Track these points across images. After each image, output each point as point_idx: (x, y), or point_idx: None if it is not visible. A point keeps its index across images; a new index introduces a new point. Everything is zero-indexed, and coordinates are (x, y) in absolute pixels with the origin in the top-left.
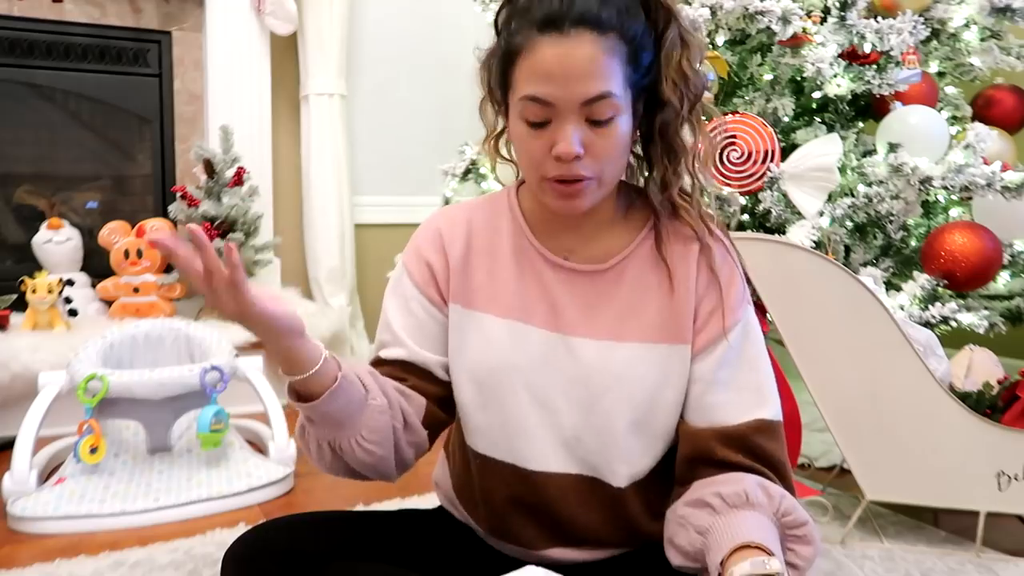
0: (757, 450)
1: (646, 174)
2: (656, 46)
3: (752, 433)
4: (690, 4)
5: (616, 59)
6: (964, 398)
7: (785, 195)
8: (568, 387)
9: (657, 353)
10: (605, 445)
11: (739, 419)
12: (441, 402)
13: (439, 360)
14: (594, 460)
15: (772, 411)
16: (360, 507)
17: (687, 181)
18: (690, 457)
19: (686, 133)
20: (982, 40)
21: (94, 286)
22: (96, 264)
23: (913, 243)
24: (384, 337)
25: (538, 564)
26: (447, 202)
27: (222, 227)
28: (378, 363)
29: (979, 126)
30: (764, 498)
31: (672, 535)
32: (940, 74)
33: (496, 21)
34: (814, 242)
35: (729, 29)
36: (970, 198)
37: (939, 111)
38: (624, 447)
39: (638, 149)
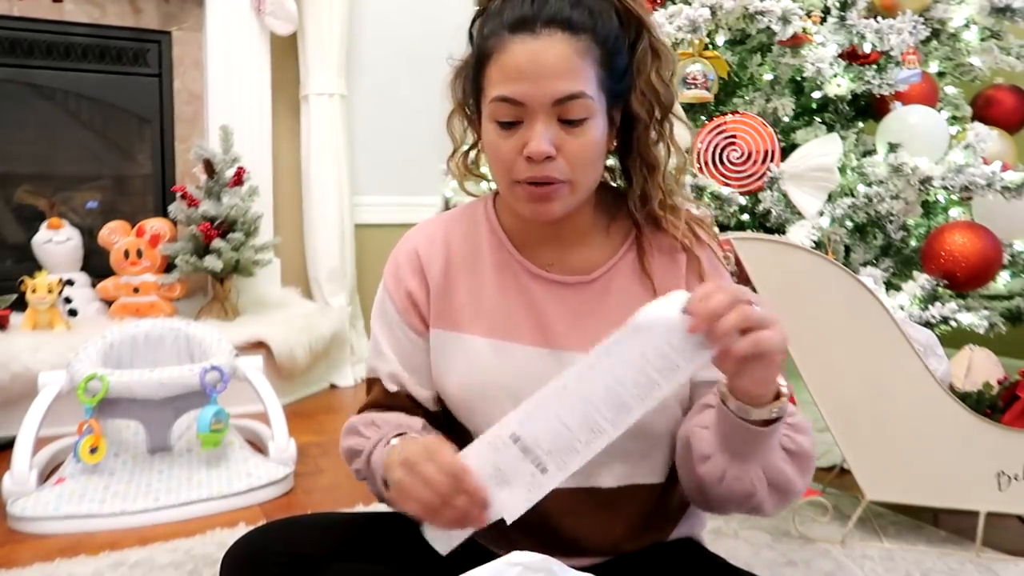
0: None
1: (626, 188)
2: (630, 60)
3: None
4: (690, 4)
5: (589, 60)
6: (964, 398)
7: (785, 195)
8: None
9: None
10: (601, 454)
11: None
12: (438, 424)
13: (429, 396)
14: (590, 469)
15: None
16: (360, 508)
17: (663, 193)
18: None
19: (659, 146)
20: (982, 40)
21: (94, 286)
22: (96, 264)
23: (913, 243)
24: (376, 364)
25: None
26: (447, 202)
27: (222, 227)
28: (381, 390)
29: (979, 126)
30: None
31: (688, 448)
32: (940, 74)
33: (470, 32)
34: (814, 242)
35: (729, 29)
36: (970, 198)
37: (939, 111)
38: (618, 455)
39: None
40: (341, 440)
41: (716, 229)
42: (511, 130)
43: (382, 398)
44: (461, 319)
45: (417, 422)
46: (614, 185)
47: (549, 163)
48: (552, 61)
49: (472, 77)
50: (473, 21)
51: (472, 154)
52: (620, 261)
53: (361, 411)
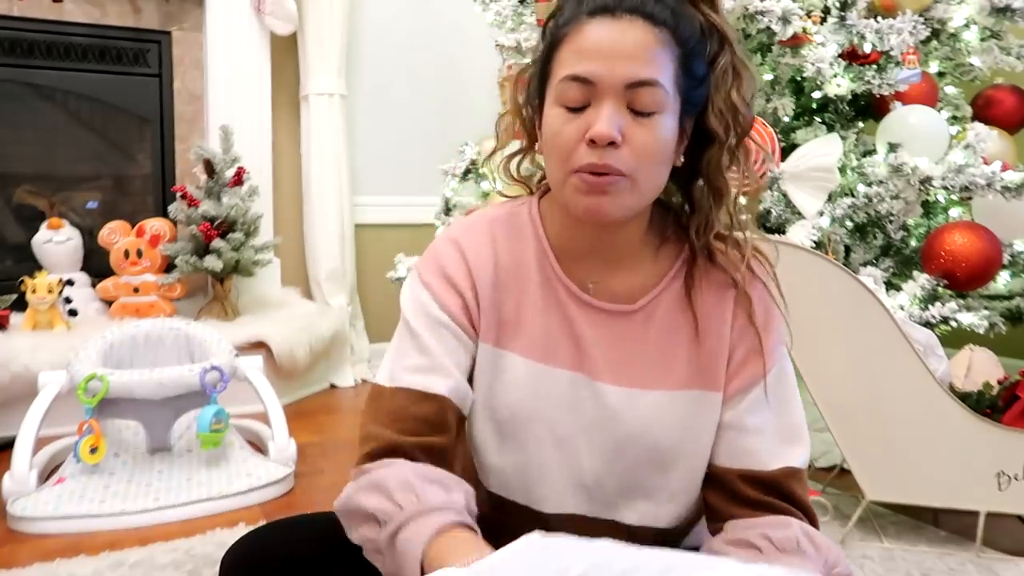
0: (788, 494)
1: (686, 213)
2: (709, 74)
3: (783, 479)
4: None
5: (667, 54)
6: (964, 398)
7: (785, 195)
8: (590, 430)
9: (685, 401)
10: (627, 490)
11: (770, 465)
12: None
13: (467, 392)
14: (613, 501)
15: (802, 458)
16: None
17: (727, 222)
18: (718, 495)
19: (731, 171)
20: (982, 40)
21: (94, 286)
22: (96, 264)
23: (913, 243)
24: (420, 361)
25: None
26: (447, 202)
27: (222, 227)
28: (417, 397)
29: (979, 126)
30: (813, 549)
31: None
32: (940, 74)
33: (544, 28)
34: (814, 242)
35: None
36: (970, 198)
37: (939, 111)
38: (647, 492)
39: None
40: (353, 489)
41: None
42: (576, 114)
43: (413, 406)
44: (505, 336)
45: (459, 500)
46: (670, 207)
47: (612, 151)
48: (630, 44)
49: (540, 66)
50: (548, 19)
51: (515, 161)
52: (665, 290)
53: (370, 436)
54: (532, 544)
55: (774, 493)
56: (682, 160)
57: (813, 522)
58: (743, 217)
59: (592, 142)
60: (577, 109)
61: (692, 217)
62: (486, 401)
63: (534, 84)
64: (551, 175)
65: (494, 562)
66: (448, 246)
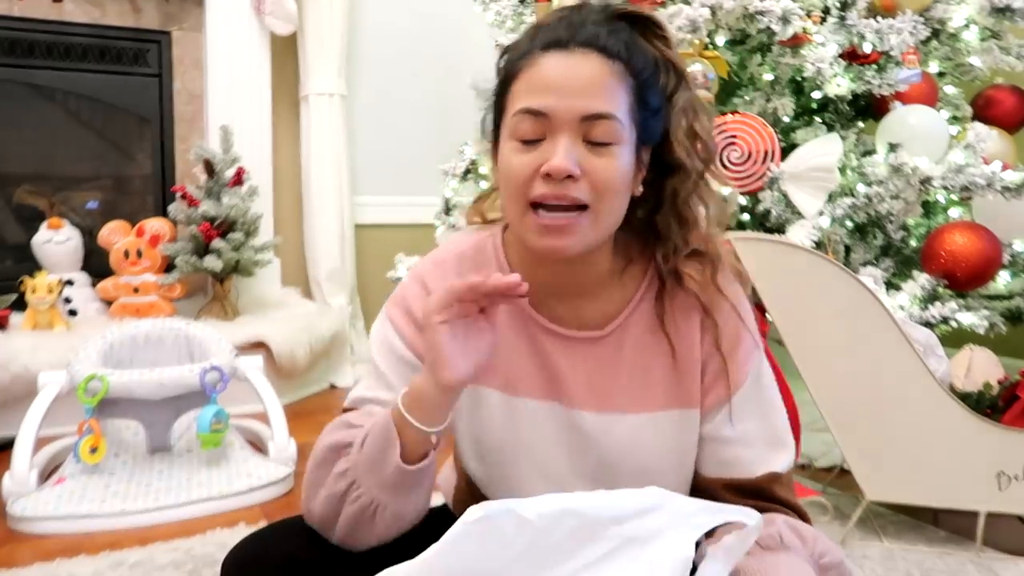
0: (771, 497)
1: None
2: (666, 107)
3: (766, 484)
4: (690, 4)
5: (622, 87)
6: (964, 398)
7: (785, 195)
8: (575, 459)
9: (665, 420)
10: None
11: (754, 473)
12: None
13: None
14: None
15: (785, 463)
16: None
17: (703, 245)
18: None
19: (695, 200)
20: (982, 40)
21: (94, 286)
22: (96, 264)
23: (913, 243)
24: (376, 394)
25: None
26: (447, 202)
27: (222, 227)
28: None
29: (979, 126)
30: (797, 540)
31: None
32: (940, 74)
33: (498, 65)
34: (814, 242)
35: (729, 29)
36: (970, 198)
37: (939, 111)
38: None
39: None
40: (320, 440)
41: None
42: (531, 147)
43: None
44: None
45: None
46: (634, 227)
47: (571, 184)
48: (584, 77)
49: (494, 101)
50: (502, 54)
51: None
52: (633, 313)
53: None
54: (472, 523)
55: (758, 497)
56: (641, 190)
57: (800, 516)
58: (721, 212)
59: (547, 176)
60: (532, 143)
61: (658, 244)
62: (467, 439)
63: (489, 119)
64: (508, 211)
65: (438, 549)
66: (414, 284)
